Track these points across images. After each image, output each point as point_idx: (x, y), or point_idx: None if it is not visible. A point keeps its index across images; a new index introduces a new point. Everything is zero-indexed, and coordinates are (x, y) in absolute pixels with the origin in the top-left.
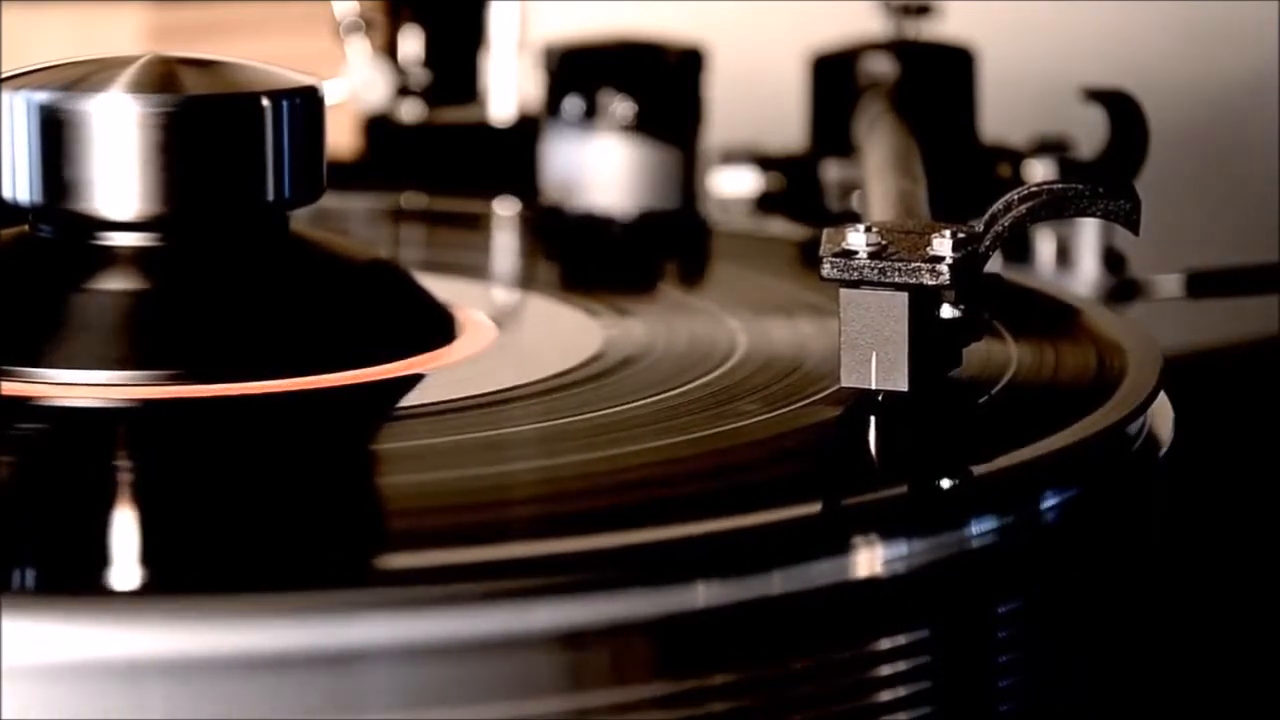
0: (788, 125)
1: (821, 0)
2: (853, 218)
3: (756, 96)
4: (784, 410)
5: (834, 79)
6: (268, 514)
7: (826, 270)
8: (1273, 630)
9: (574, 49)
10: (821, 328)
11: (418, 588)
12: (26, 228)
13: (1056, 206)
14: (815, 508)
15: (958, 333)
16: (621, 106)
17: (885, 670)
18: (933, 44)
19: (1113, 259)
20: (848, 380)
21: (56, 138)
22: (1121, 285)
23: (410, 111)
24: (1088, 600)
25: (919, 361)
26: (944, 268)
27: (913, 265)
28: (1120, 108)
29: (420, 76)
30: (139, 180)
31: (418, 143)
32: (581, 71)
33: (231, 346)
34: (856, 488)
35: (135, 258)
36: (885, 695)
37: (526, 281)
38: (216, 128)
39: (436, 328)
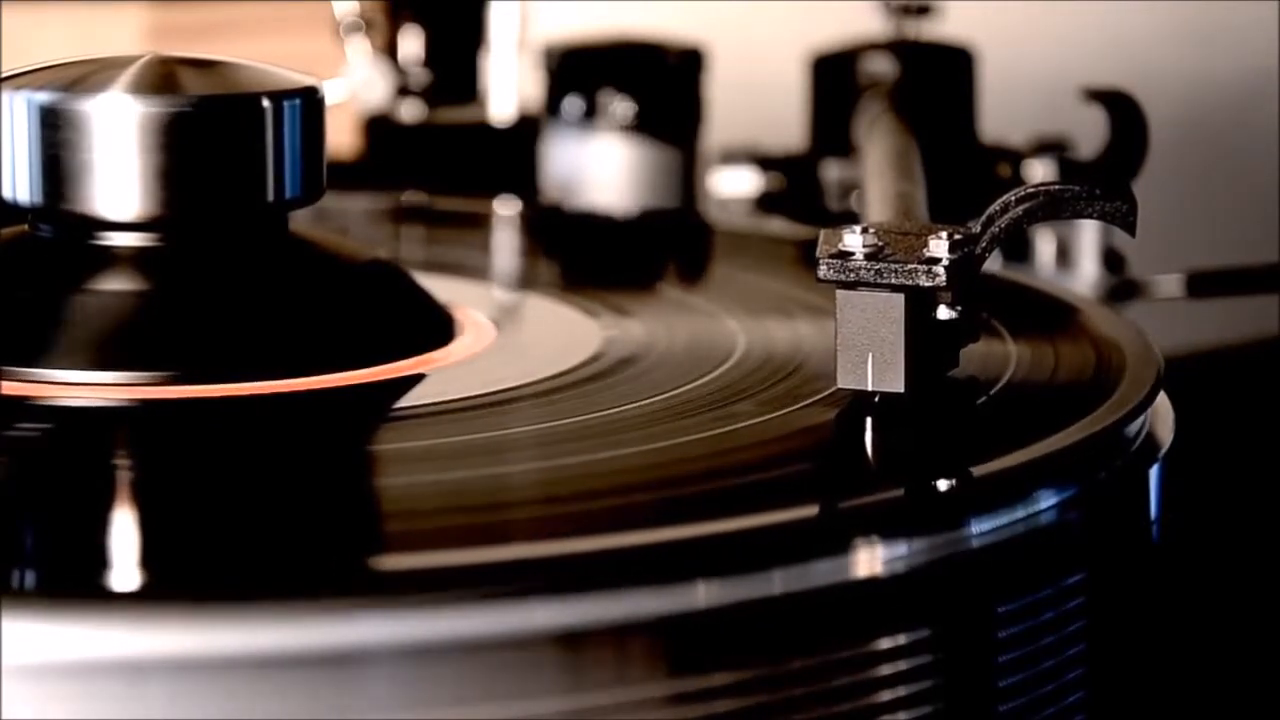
0: (788, 125)
1: (821, 0)
2: (852, 218)
3: (756, 96)
4: (783, 411)
5: (834, 79)
6: (267, 515)
7: (823, 271)
8: (1273, 630)
9: (574, 49)
10: (820, 328)
11: (418, 588)
12: (26, 228)
13: (1053, 208)
14: (814, 508)
15: (955, 334)
16: (621, 106)
17: (885, 670)
18: (933, 44)
19: (1113, 259)
20: (844, 381)
21: (56, 138)
22: (1121, 285)
23: (410, 111)
24: (1088, 600)
25: (916, 363)
26: (940, 269)
27: (909, 267)
28: (1120, 108)
29: (420, 76)
30: (139, 180)
31: (418, 143)
32: (581, 71)
33: (231, 347)
34: (855, 488)
35: (135, 258)
36: (885, 695)
37: (526, 281)
38: (216, 128)
39: (436, 328)
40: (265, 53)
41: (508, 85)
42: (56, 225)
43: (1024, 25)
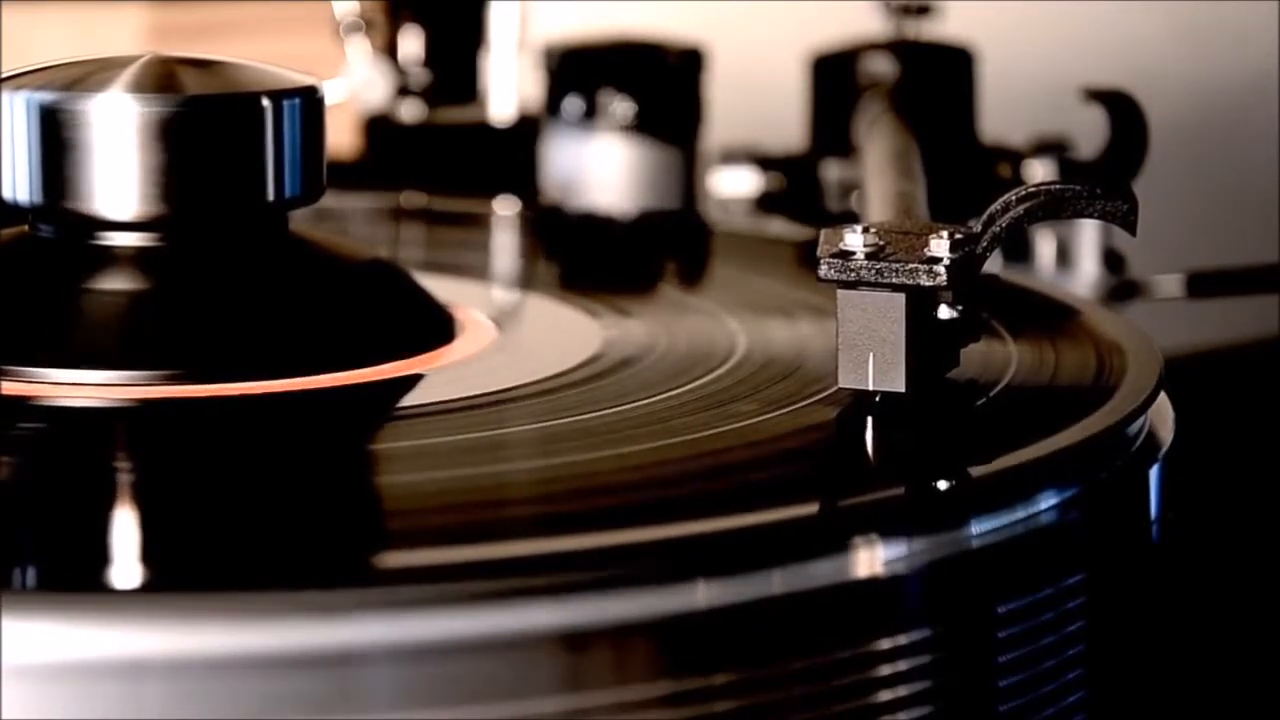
0: (788, 125)
1: (821, 0)
2: (853, 218)
3: (756, 96)
4: (783, 411)
5: (834, 79)
6: (267, 514)
7: (824, 271)
8: (1273, 630)
9: (574, 49)
10: (821, 328)
11: (417, 587)
12: (26, 228)
13: (1054, 207)
14: (814, 508)
15: (956, 333)
16: (621, 106)
17: (885, 670)
18: (933, 44)
19: (1112, 259)
20: (845, 381)
21: (56, 138)
22: (1121, 285)
23: (410, 111)
24: (1088, 600)
25: (917, 362)
26: (941, 269)
27: (910, 266)
28: (1120, 108)
29: (420, 76)
30: (139, 180)
31: (418, 143)
32: (581, 71)
33: (231, 346)
34: (856, 488)
35: (135, 258)
36: (885, 695)
37: (526, 281)
38: (216, 128)
39: (436, 328)
40: (265, 53)
41: (508, 85)
42: (56, 225)
43: (1024, 25)
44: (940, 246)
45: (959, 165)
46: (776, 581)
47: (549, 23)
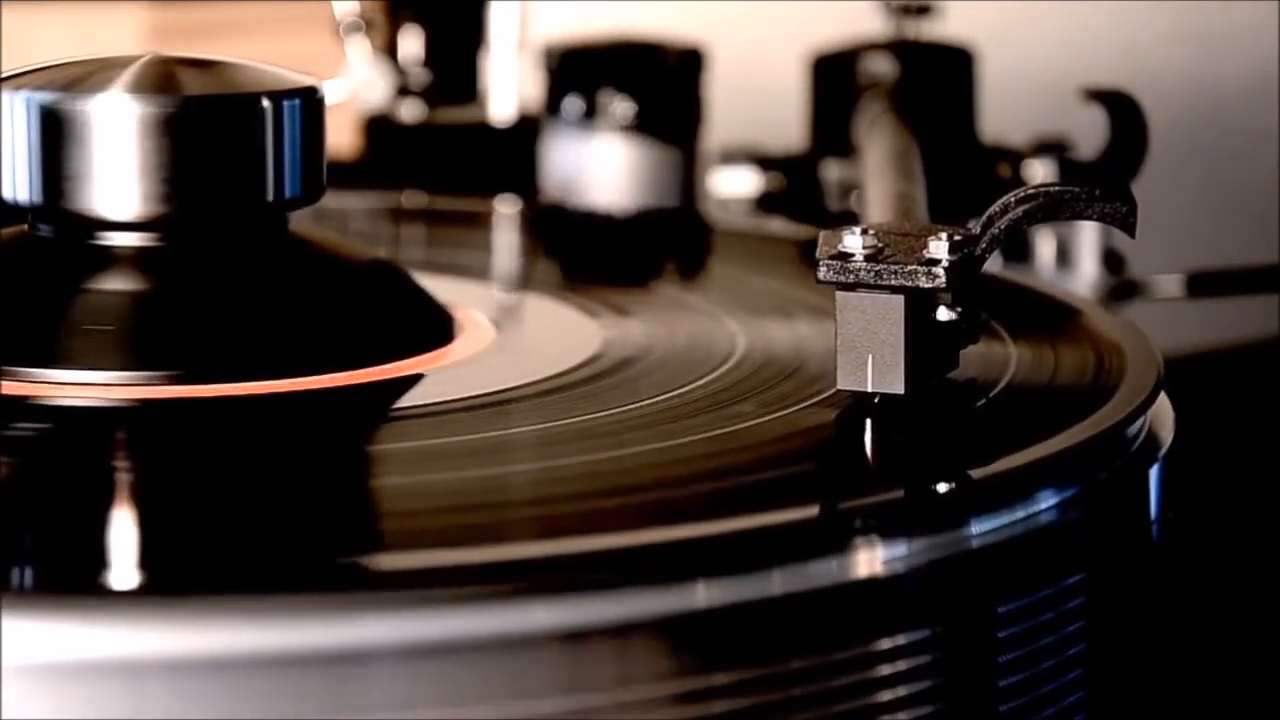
0: (788, 125)
1: (821, 0)
2: (852, 218)
3: (756, 96)
4: (783, 412)
5: (834, 79)
6: (267, 514)
7: (823, 273)
8: (1273, 630)
9: (574, 49)
10: (820, 329)
11: (417, 588)
12: (26, 228)
13: (1053, 209)
14: (814, 508)
15: (955, 335)
16: (621, 106)
17: (885, 670)
18: (933, 44)
19: (1112, 259)
20: (844, 383)
21: (56, 138)
22: (1121, 285)
23: (410, 111)
24: (1088, 600)
25: (916, 364)
26: (940, 270)
27: (909, 268)
28: (1120, 108)
29: (420, 76)
30: (139, 180)
31: (418, 143)
32: (581, 71)
33: (231, 346)
34: (855, 488)
35: (135, 258)
36: (885, 695)
37: (526, 281)
38: (216, 128)
39: (436, 328)
40: (265, 53)
41: (508, 85)
42: (56, 225)
43: (1024, 25)
44: (939, 248)
45: (959, 165)
46: (776, 582)
47: (549, 23)
